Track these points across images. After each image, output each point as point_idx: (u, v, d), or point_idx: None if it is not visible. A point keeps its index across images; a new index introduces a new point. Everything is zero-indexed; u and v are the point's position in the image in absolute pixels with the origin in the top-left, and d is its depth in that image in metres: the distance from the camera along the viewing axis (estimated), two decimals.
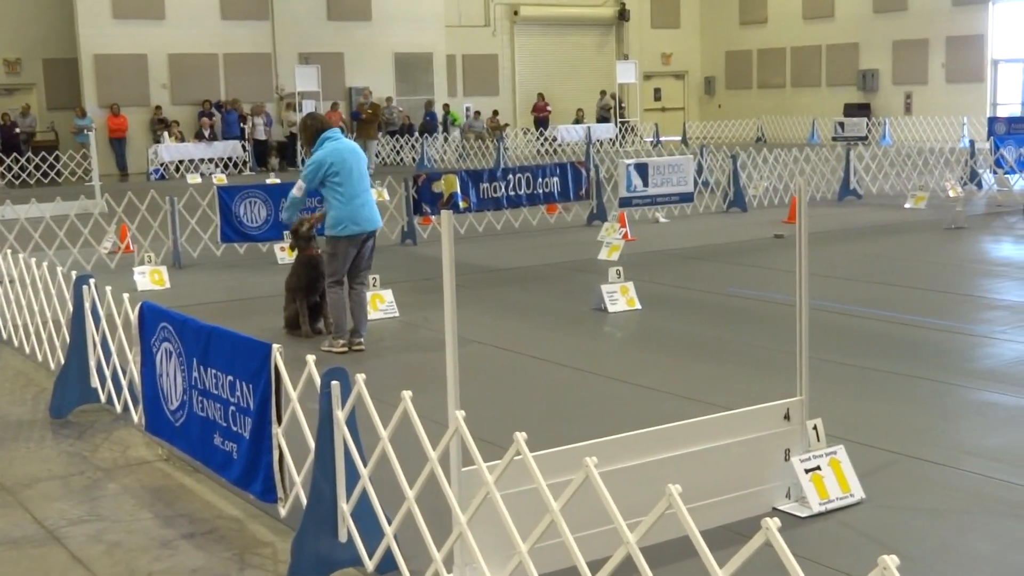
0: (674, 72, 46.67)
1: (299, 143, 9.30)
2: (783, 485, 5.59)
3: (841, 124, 36.72)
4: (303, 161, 31.79)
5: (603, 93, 40.19)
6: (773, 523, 3.06)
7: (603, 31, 44.67)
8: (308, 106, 33.05)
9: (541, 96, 39.40)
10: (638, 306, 10.91)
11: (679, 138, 38.97)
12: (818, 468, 5.58)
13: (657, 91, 46.24)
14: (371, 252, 9.66)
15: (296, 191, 9.35)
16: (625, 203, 17.15)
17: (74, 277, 7.85)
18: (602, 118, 39.31)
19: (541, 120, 38.49)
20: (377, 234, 9.70)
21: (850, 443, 6.08)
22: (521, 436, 4.02)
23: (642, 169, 17.37)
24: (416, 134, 34.07)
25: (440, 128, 36.06)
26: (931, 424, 7.08)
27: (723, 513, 5.34)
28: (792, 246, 5.71)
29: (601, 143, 36.10)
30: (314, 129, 9.30)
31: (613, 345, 10.00)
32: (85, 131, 30.78)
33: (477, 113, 38.16)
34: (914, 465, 6.26)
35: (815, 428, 5.67)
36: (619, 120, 39.30)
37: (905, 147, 26.94)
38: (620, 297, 10.93)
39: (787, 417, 5.59)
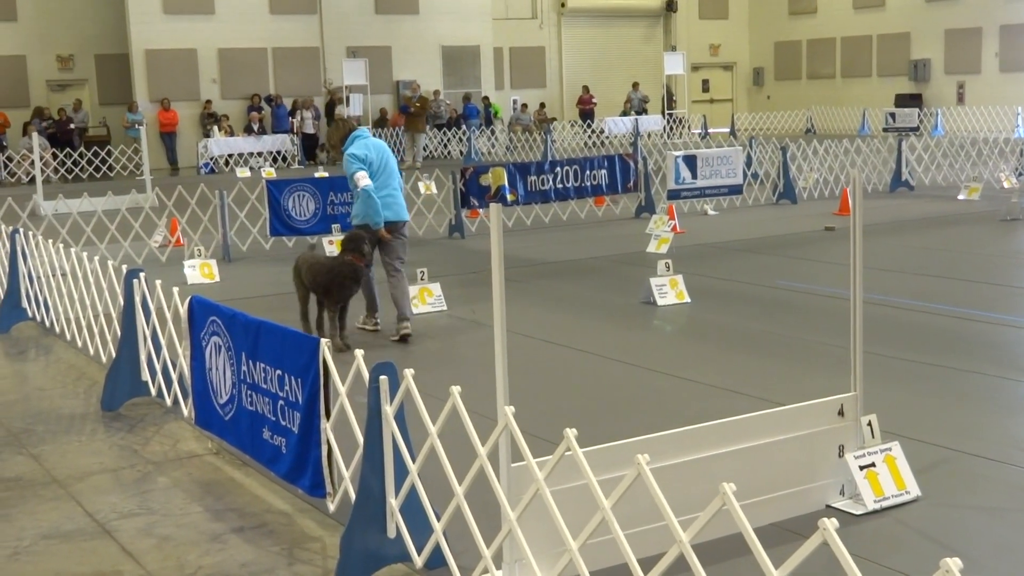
0: (722, 63, 46.33)
1: (328, 143, 9.81)
2: (837, 482, 5.50)
3: (892, 115, 36.27)
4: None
5: (635, 85, 39.84)
6: (831, 523, 2.99)
7: (651, 22, 44.42)
8: (356, 100, 33.20)
9: (586, 88, 39.26)
10: (687, 299, 10.82)
11: (727, 130, 38.68)
12: (873, 465, 5.49)
13: (705, 82, 45.92)
14: (404, 244, 9.85)
15: (364, 181, 9.35)
16: (674, 195, 17.02)
17: (125, 271, 7.89)
18: (641, 110, 38.96)
19: (586, 112, 38.35)
20: (407, 227, 9.95)
21: (905, 439, 5.98)
22: (572, 432, 3.97)
23: (691, 161, 17.24)
24: (463, 127, 34.09)
25: (483, 121, 35.97)
26: (987, 420, 6.94)
27: (775, 510, 5.26)
28: (843, 238, 5.62)
29: (649, 135, 35.92)
30: (347, 129, 9.76)
31: (662, 339, 9.92)
32: (136, 126, 31.09)
33: (524, 106, 38.07)
34: (970, 462, 6.14)
35: (869, 424, 5.57)
36: (667, 112, 39.07)
37: (958, 138, 26.58)
38: (669, 290, 10.84)
39: (841, 413, 5.49)
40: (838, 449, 5.49)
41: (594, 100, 38.79)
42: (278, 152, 32.39)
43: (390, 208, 9.60)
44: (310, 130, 33.25)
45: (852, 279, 5.43)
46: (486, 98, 37.09)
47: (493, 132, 34.97)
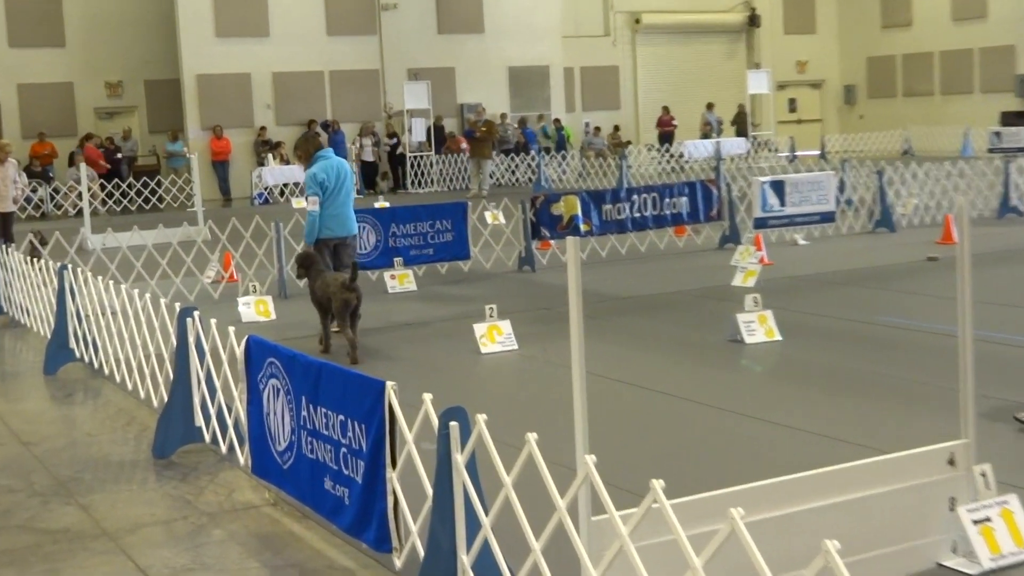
0: (810, 81, 46.11)
1: (295, 152, 13.04)
2: (948, 538, 5.38)
3: (998, 134, 35.79)
4: (406, 183, 32.61)
5: (710, 106, 39.54)
6: None
7: (732, 38, 44.37)
8: (418, 124, 33.48)
9: (666, 109, 39.19)
10: (778, 337, 10.71)
11: (817, 152, 38.43)
12: (988, 519, 5.36)
13: (792, 102, 45.73)
14: (352, 255, 11.79)
15: (313, 207, 11.48)
16: (760, 224, 16.91)
17: (178, 309, 7.98)
18: (704, 135, 38.67)
19: (666, 135, 38.26)
20: (351, 239, 11.94)
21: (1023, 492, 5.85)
22: (658, 483, 3.93)
23: (778, 187, 17.12)
24: (532, 152, 34.17)
25: (546, 146, 36.03)
26: None
27: (881, 569, 5.16)
28: (947, 269, 5.54)
29: (732, 159, 35.77)
30: (314, 146, 11.97)
31: (752, 380, 9.81)
32: (179, 156, 31.61)
33: (597, 129, 38.13)
34: None
35: (983, 475, 5.45)
36: (751, 135, 38.91)
37: None
38: (758, 327, 10.74)
39: (951, 462, 5.39)
40: (949, 502, 5.38)
41: (674, 122, 38.65)
42: None
43: (339, 223, 11.64)
44: (369, 158, 33.56)
45: (960, 314, 5.34)
46: (557, 120, 37.18)
47: (564, 157, 35.04)
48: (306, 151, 11.95)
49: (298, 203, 28.77)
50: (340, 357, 10.26)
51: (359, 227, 15.08)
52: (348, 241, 11.87)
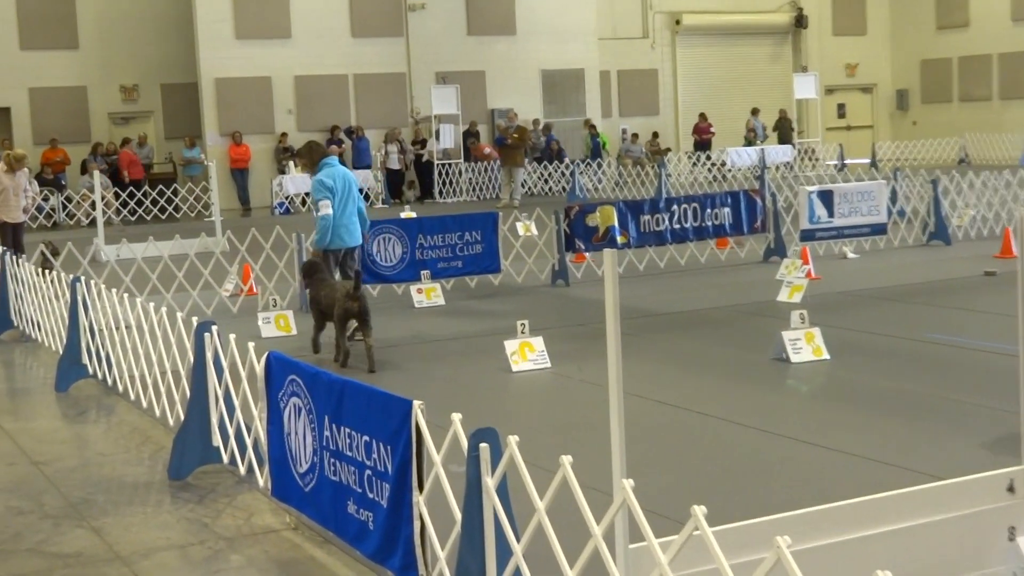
0: (860, 85, 45.96)
1: (300, 160, 14.36)
2: (1007, 570, 5.35)
3: None
4: (439, 193, 32.70)
5: (755, 111, 39.36)
6: None
7: (778, 40, 44.25)
8: (446, 130, 33.53)
9: (703, 116, 39.08)
10: (826, 355, 10.67)
11: (868, 161, 38.30)
12: None
13: (841, 107, 45.58)
14: (358, 261, 12.72)
15: (327, 210, 11.92)
16: (807, 236, 16.86)
17: (195, 324, 8.02)
18: (748, 141, 38.52)
19: (702, 143, 38.16)
20: (356, 252, 12.77)
21: None
22: (700, 510, 3.93)
23: (826, 197, 17.08)
24: (567, 160, 34.16)
25: (588, 153, 36.07)
26: None
27: None
28: (1006, 285, 5.51)
29: (777, 168, 35.67)
30: (319, 154, 12.43)
31: (798, 401, 9.80)
32: (195, 163, 31.81)
33: (635, 136, 38.09)
34: None
35: None
36: (796, 143, 38.78)
37: None
38: (804, 345, 10.71)
39: (1011, 489, 5.36)
40: (1008, 531, 5.35)
41: (712, 129, 38.57)
42: (360, 190, 32.78)
43: (348, 232, 12.21)
44: (395, 165, 33.64)
45: (1020, 332, 5.31)
46: (593, 126, 37.18)
47: (600, 166, 35.04)
48: (311, 159, 12.46)
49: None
50: (360, 373, 10.30)
51: (383, 238, 15.26)
52: (354, 251, 12.55)
